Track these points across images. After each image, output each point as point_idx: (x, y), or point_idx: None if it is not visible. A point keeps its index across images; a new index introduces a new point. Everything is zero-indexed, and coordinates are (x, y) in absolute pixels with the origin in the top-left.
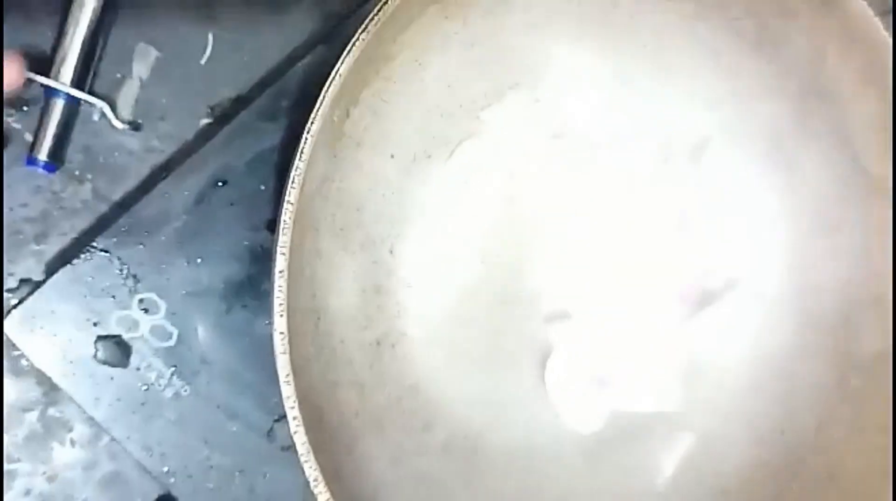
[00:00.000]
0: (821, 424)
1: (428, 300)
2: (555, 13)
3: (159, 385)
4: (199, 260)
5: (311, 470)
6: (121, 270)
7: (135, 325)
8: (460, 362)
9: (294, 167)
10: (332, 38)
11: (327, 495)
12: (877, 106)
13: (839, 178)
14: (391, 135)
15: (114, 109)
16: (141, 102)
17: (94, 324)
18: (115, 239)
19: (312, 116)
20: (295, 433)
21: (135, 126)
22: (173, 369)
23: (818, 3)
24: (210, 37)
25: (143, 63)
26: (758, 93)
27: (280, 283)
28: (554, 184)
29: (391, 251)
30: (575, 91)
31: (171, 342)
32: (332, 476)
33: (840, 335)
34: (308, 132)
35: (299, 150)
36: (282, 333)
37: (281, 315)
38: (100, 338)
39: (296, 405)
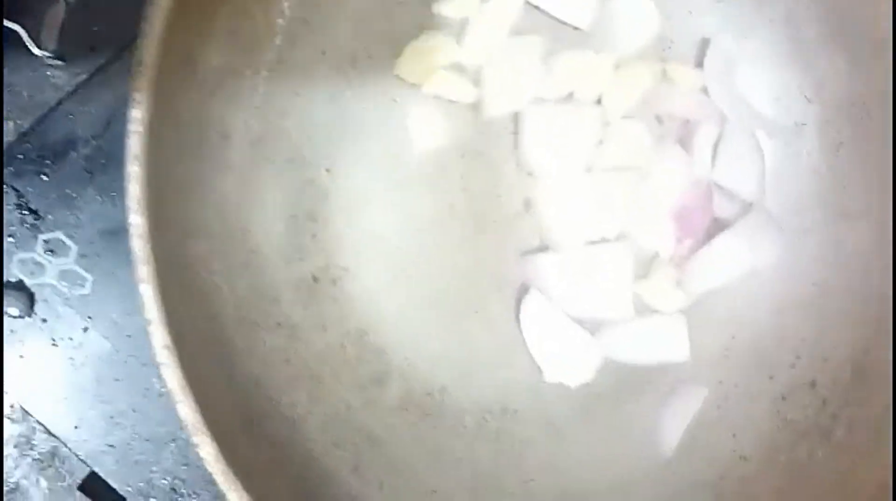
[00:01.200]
0: (858, 372)
1: (376, 230)
2: None
3: (71, 340)
4: (112, 193)
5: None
6: (19, 204)
7: (39, 269)
8: (420, 304)
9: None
10: None
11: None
12: None
13: (867, 80)
14: (322, 28)
15: (38, 37)
16: (68, 30)
17: None
18: (10, 168)
19: None
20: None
21: (60, 56)
22: (88, 321)
23: None
24: None
25: None
26: None
27: (133, 187)
28: (530, 85)
29: (328, 170)
30: None
31: (86, 290)
32: (230, 450)
33: (874, 269)
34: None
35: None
36: (143, 259)
37: (139, 236)
38: None
39: (170, 345)
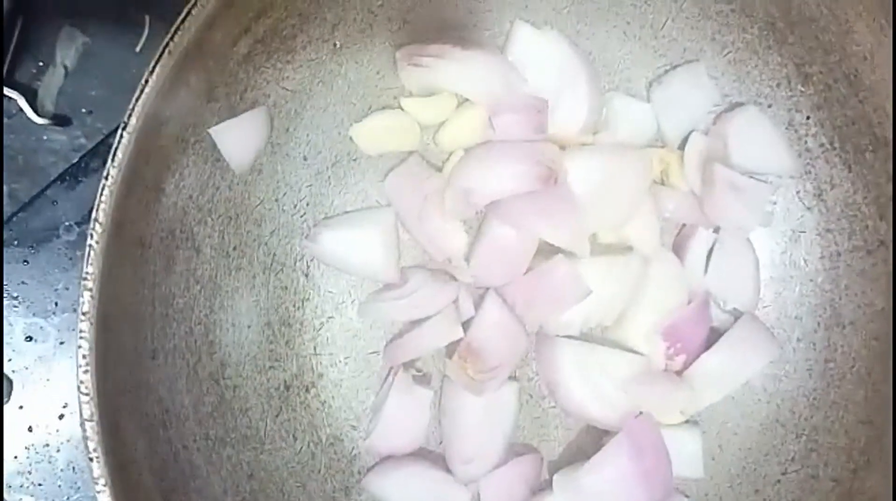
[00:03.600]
0: (844, 496)
1: (353, 333)
2: None
3: (47, 426)
4: None
5: None
6: None
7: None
8: None
9: (105, 174)
10: None
11: None
12: None
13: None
14: (301, 135)
15: (34, 101)
16: (66, 94)
17: None
18: None
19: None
20: None
21: (59, 121)
22: (64, 408)
23: None
24: (146, 20)
25: (68, 50)
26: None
27: (83, 328)
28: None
29: (306, 274)
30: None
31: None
32: None
33: (867, 382)
34: (124, 128)
35: (113, 148)
36: (86, 393)
37: (86, 371)
38: None
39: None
